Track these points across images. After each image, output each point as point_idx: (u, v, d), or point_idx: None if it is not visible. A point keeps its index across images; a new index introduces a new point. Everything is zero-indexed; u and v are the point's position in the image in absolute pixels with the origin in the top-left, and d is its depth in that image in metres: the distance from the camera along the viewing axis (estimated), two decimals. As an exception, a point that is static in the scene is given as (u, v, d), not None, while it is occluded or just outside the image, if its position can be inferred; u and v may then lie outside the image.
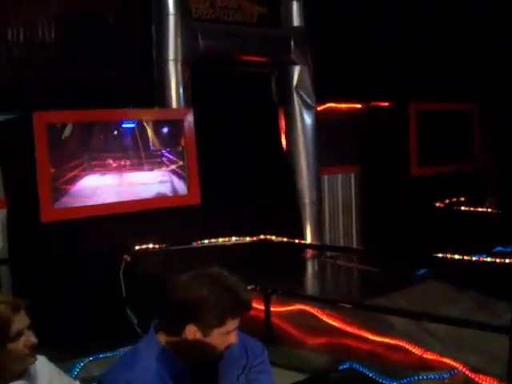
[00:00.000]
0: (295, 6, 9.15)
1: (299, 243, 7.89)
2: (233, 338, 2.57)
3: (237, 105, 9.05)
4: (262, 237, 6.42)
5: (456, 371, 5.09)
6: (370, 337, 5.88)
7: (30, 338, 2.56)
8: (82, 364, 5.39)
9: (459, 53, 10.39)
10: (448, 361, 5.24)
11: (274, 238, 6.69)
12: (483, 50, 10.41)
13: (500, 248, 7.86)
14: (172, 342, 2.56)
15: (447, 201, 9.57)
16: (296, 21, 9.19)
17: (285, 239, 7.70)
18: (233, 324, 2.55)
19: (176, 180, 7.51)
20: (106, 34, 7.77)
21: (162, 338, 2.58)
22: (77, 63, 7.45)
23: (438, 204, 9.27)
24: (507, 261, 5.06)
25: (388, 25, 10.08)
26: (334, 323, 6.25)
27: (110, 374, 2.61)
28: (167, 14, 7.75)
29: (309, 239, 9.24)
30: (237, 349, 2.74)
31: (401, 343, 5.65)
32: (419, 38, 10.29)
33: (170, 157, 7.46)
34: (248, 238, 6.54)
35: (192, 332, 2.50)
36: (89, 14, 7.67)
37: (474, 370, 5.07)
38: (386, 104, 10.38)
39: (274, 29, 9.12)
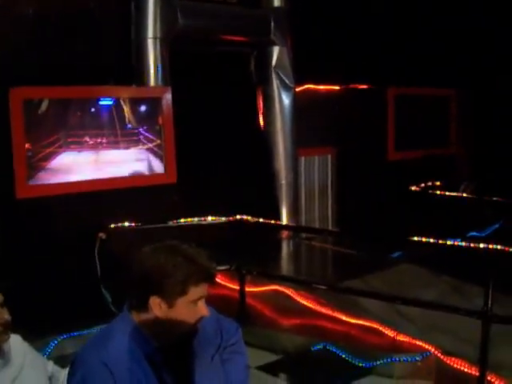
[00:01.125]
0: (276, -14, 9.12)
1: (275, 224, 7.90)
2: (202, 310, 2.55)
3: (215, 84, 9.01)
4: (237, 217, 6.42)
5: (428, 354, 5.15)
6: (344, 318, 5.92)
7: (4, 315, 2.55)
8: (56, 342, 5.38)
9: (439, 38, 10.40)
10: (421, 343, 5.29)
11: (249, 218, 6.68)
12: (462, 34, 10.43)
13: (474, 233, 7.93)
14: (143, 320, 2.55)
15: (423, 185, 9.62)
16: (276, 1, 9.15)
17: (260, 220, 7.71)
18: (196, 292, 2.52)
19: (153, 158, 7.48)
20: (84, 10, 7.67)
21: (135, 317, 2.57)
22: (54, 40, 7.35)
23: (413, 188, 9.32)
24: (481, 245, 5.10)
25: (368, 5, 10.07)
26: (308, 304, 6.28)
27: (84, 353, 2.59)
28: (146, -8, 7.68)
29: (284, 220, 9.26)
30: (211, 328, 2.75)
31: (374, 325, 5.69)
32: (399, 22, 10.29)
33: (148, 135, 7.42)
34: (224, 218, 6.54)
35: (156, 304, 2.49)
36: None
37: (447, 352, 5.13)
38: (365, 87, 10.39)
39: (255, 9, 9.07)
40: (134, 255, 2.58)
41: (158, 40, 7.74)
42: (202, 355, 2.70)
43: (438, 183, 9.71)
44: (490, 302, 4.73)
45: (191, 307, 2.53)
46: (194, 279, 2.52)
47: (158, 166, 7.51)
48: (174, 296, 2.50)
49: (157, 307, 2.50)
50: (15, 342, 2.74)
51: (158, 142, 7.48)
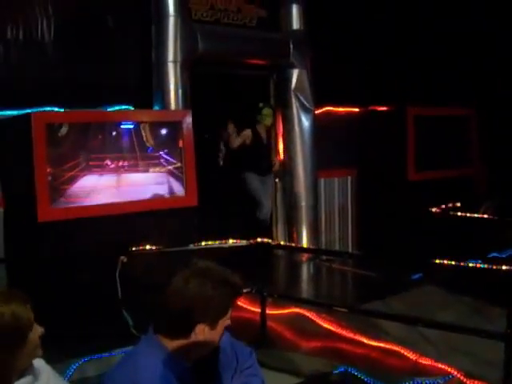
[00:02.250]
0: (295, 9, 9.18)
1: (295, 247, 7.91)
2: (229, 321, 2.65)
3: (235, 107, 9.08)
4: (258, 240, 6.41)
5: (451, 377, 5.11)
6: (366, 341, 5.89)
7: (39, 329, 2.59)
8: (77, 365, 5.38)
9: (457, 57, 10.41)
10: (443, 366, 5.25)
11: (270, 241, 6.70)
12: (481, 54, 10.43)
13: (495, 254, 7.87)
14: (178, 344, 2.58)
15: (443, 206, 9.57)
16: (295, 24, 9.21)
17: (281, 242, 7.73)
18: (231, 310, 2.62)
19: (173, 181, 7.50)
20: (105, 34, 7.77)
21: (165, 341, 2.59)
22: (76, 63, 7.45)
23: (434, 209, 9.28)
24: (503, 267, 5.06)
25: (386, 28, 10.11)
26: (329, 327, 6.26)
27: (114, 374, 2.61)
28: (167, 16, 7.74)
29: (305, 242, 9.25)
30: (228, 350, 2.79)
31: (396, 348, 5.66)
32: (417, 42, 10.32)
33: (168, 158, 7.45)
34: (245, 241, 6.53)
35: (202, 330, 2.54)
36: (89, 14, 7.67)
37: (469, 375, 5.08)
38: (384, 108, 10.39)
39: (274, 31, 9.14)
40: (169, 285, 2.59)
41: (178, 64, 7.81)
42: (223, 375, 2.74)
43: (458, 204, 9.65)
44: (512, 324, 4.70)
45: (226, 322, 2.60)
46: (231, 298, 2.58)
47: (179, 189, 7.54)
48: (217, 320, 2.55)
49: (201, 333, 2.53)
50: (39, 362, 2.76)
51: (179, 164, 7.50)
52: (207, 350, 2.64)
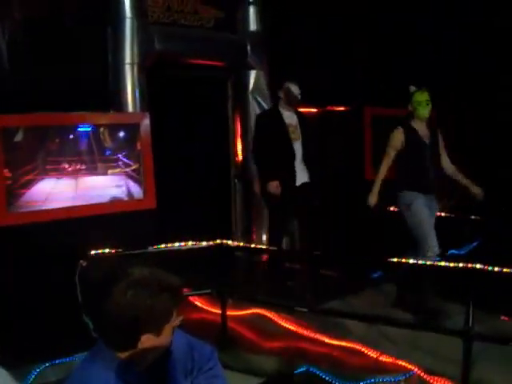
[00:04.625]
0: (252, 11, 9.17)
1: (255, 248, 7.90)
2: (177, 321, 2.63)
3: (193, 109, 9.05)
4: (218, 241, 6.41)
5: (411, 373, 5.16)
6: (327, 340, 5.92)
7: None
8: (38, 370, 5.32)
9: (414, 60, 10.52)
10: (403, 363, 5.30)
11: (230, 242, 6.69)
12: (434, 56, 10.56)
13: (454, 251, 7.98)
14: (127, 354, 2.56)
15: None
16: (253, 25, 9.21)
17: (241, 244, 7.73)
18: (176, 313, 2.60)
19: (132, 184, 7.48)
20: (62, 36, 7.68)
21: (114, 351, 2.57)
22: (32, 65, 7.35)
23: (392, 208, 9.35)
24: (460, 265, 5.13)
25: (344, 29, 10.16)
26: (290, 327, 6.28)
27: None
28: (124, 17, 7.68)
29: (265, 243, 9.25)
30: (182, 350, 2.78)
31: (357, 346, 5.70)
32: (376, 43, 10.40)
33: (126, 161, 7.43)
34: (204, 243, 6.52)
35: (147, 339, 2.52)
36: (47, 15, 7.57)
37: (429, 371, 5.15)
38: (341, 108, 10.46)
39: (231, 33, 9.13)
40: (109, 300, 2.56)
41: (135, 65, 7.76)
42: (177, 376, 2.73)
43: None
44: (470, 321, 4.78)
45: (172, 327, 2.58)
46: (172, 302, 2.56)
47: (137, 192, 7.51)
48: (161, 326, 2.53)
49: (148, 342, 2.52)
50: None
51: (137, 167, 7.48)
52: (157, 354, 2.62)
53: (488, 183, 7.42)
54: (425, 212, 6.65)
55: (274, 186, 7.77)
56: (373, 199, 6.93)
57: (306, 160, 8.04)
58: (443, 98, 8.87)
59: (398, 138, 6.87)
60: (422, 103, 6.68)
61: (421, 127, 6.82)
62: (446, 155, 6.97)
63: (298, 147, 7.97)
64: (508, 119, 10.02)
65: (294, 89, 7.97)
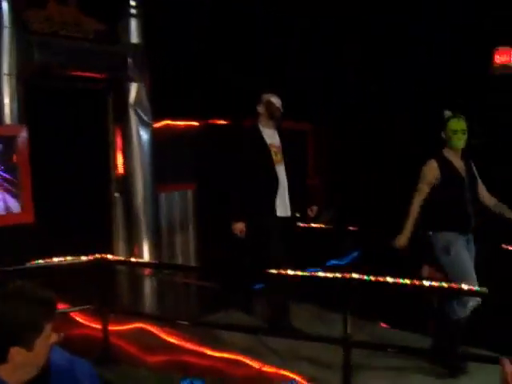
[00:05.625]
0: (133, 23, 9.15)
1: (136, 262, 7.85)
2: (53, 338, 2.55)
3: (73, 121, 8.92)
4: (97, 256, 6.33)
5: (294, 382, 5.26)
6: (209, 352, 5.95)
7: None
8: None
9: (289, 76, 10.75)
10: (286, 373, 5.41)
11: (110, 256, 6.62)
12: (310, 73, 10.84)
13: (334, 261, 8.21)
14: (1, 370, 2.51)
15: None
16: (134, 38, 9.18)
17: (122, 258, 7.66)
18: (49, 327, 2.53)
19: (9, 198, 7.28)
20: None
21: None
22: None
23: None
24: (338, 275, 5.28)
25: (223, 46, 10.27)
26: (172, 340, 6.28)
27: None
28: (1, 27, 7.50)
29: (146, 256, 9.21)
30: (64, 368, 2.73)
31: (239, 358, 5.77)
32: (254, 57, 10.54)
33: (3, 174, 7.23)
34: (84, 257, 6.42)
35: (16, 353, 2.46)
36: None
37: (311, 379, 5.27)
38: (223, 122, 10.55)
39: (112, 45, 9.06)
40: None
41: (13, 76, 7.57)
42: None
43: (298, 214, 9.92)
44: (348, 329, 4.94)
45: (47, 341, 2.53)
46: (42, 315, 2.51)
47: (15, 206, 7.32)
48: (31, 340, 2.48)
49: (17, 356, 2.46)
50: None
51: (14, 180, 7.29)
52: (32, 371, 2.57)
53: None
54: (466, 256, 5.73)
55: (238, 229, 6.87)
56: (402, 241, 5.83)
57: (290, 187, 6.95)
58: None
59: (432, 172, 5.84)
60: (458, 133, 5.78)
61: (455, 158, 5.89)
62: (484, 187, 6.08)
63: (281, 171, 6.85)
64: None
65: (275, 100, 6.76)
